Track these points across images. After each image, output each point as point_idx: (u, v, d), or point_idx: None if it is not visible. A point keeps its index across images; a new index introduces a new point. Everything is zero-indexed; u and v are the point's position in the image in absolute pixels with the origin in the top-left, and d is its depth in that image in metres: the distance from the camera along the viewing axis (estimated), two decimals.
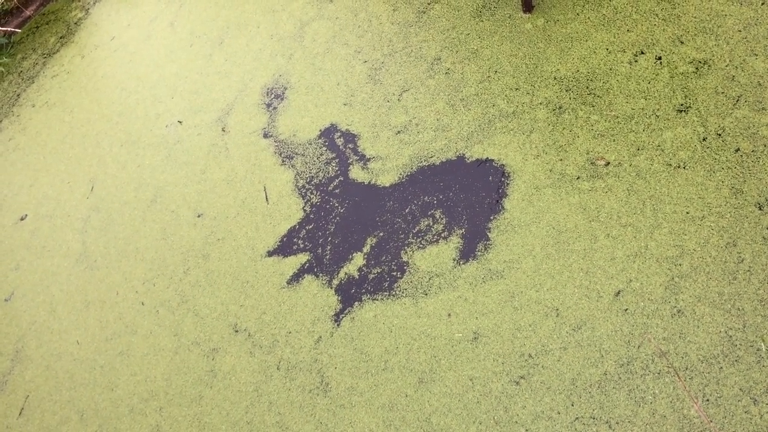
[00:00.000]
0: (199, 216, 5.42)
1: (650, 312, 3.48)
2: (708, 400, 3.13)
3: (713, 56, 4.23)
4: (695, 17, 4.46)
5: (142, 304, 5.16)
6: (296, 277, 4.63)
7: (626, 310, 3.54)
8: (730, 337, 3.25)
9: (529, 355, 3.62)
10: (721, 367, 3.20)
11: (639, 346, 3.40)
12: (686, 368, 3.25)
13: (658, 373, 3.29)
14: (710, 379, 3.18)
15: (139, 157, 6.28)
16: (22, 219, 6.58)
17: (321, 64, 5.83)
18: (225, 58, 6.58)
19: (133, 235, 5.67)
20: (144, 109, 6.72)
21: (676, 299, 3.46)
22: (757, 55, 4.09)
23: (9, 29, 9.11)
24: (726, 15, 4.36)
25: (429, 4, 5.69)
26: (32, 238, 6.32)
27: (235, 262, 4.96)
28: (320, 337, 4.28)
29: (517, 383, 3.57)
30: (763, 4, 4.29)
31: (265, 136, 5.61)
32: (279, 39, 6.34)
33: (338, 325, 4.27)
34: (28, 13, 9.27)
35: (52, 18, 9.07)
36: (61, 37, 8.61)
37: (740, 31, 4.25)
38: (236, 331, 4.61)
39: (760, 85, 3.97)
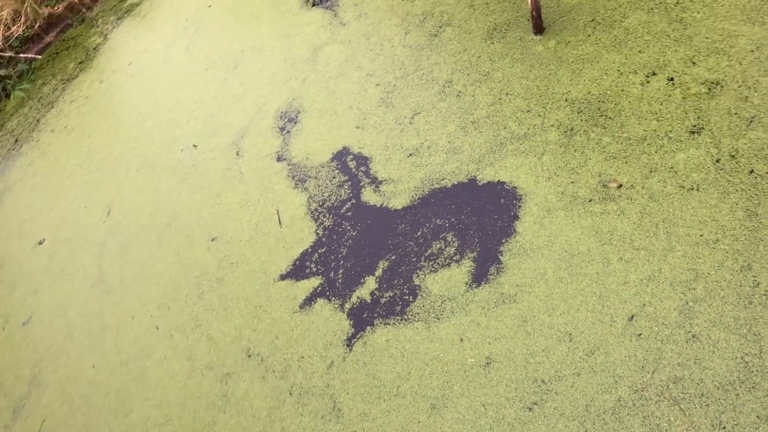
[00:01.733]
0: (213, 240, 5.46)
1: (664, 337, 3.43)
2: (725, 428, 3.08)
3: (726, 77, 4.20)
4: (707, 38, 4.44)
5: (157, 328, 5.19)
6: (309, 301, 4.64)
7: (640, 335, 3.49)
8: (747, 363, 3.20)
9: (542, 381, 3.59)
10: (738, 394, 3.14)
11: (653, 372, 3.35)
12: (702, 395, 3.20)
13: (674, 400, 3.24)
14: (726, 406, 3.13)
15: (155, 181, 6.35)
16: (40, 243, 6.67)
17: (334, 88, 5.88)
18: (240, 82, 6.65)
19: (149, 259, 5.72)
20: (160, 134, 6.80)
21: (690, 324, 3.41)
22: None
23: (30, 55, 9.29)
24: (738, 35, 4.34)
25: (440, 27, 5.72)
26: (50, 262, 6.40)
27: (249, 286, 4.98)
28: (333, 362, 4.27)
29: (530, 409, 3.54)
30: None
31: (279, 159, 5.65)
32: (293, 63, 6.40)
33: (350, 349, 4.26)
34: (48, 39, 9.46)
35: (72, 44, 9.24)
36: (80, 63, 8.77)
37: (753, 51, 4.22)
38: (249, 356, 4.62)
39: None
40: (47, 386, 5.43)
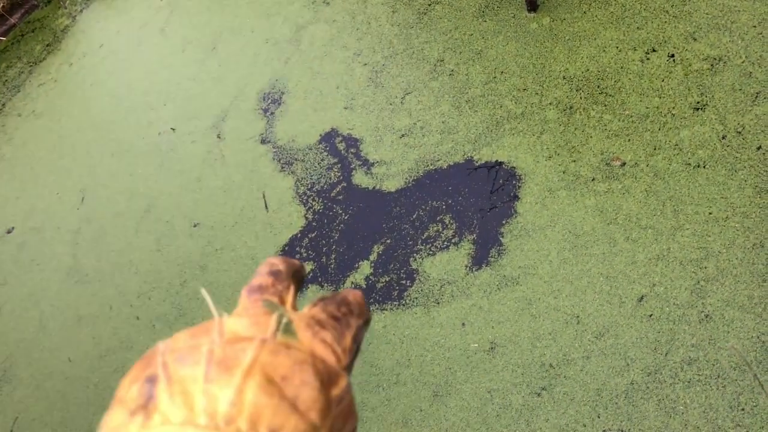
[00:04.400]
0: (195, 226, 5.23)
1: (676, 317, 3.33)
2: (743, 409, 2.98)
3: (728, 53, 4.11)
4: (707, 14, 4.34)
5: (138, 318, 4.94)
6: (300, 288, 4.44)
7: (651, 315, 3.38)
8: (763, 342, 3.11)
9: (550, 365, 3.46)
10: (756, 374, 3.04)
11: (666, 354, 3.25)
12: (718, 376, 3.10)
13: (689, 382, 3.13)
14: (744, 387, 3.03)
15: (131, 166, 6.08)
16: (8, 232, 6.35)
17: (319, 68, 5.67)
18: (219, 64, 6.40)
19: (127, 247, 5.46)
20: (136, 117, 6.52)
21: (703, 303, 3.31)
22: None
23: None
24: (739, 11, 4.25)
25: (430, 5, 5.54)
26: (20, 251, 6.09)
27: (235, 273, 4.77)
28: None
29: (539, 395, 3.40)
30: None
31: (263, 142, 5.43)
32: (275, 43, 6.17)
33: None
34: (12, 21, 9.04)
35: (38, 26, 8.85)
36: (47, 45, 8.40)
37: (755, 26, 4.13)
38: None
39: None
40: (20, 381, 5.15)
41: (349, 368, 0.48)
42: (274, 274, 0.54)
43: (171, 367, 0.42)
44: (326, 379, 0.44)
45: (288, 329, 0.46)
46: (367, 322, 0.53)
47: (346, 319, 0.51)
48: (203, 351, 0.42)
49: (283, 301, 0.52)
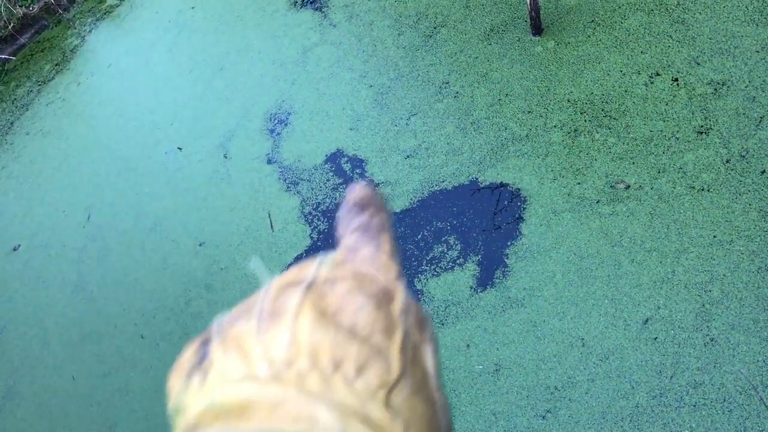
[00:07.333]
0: (200, 245, 5.25)
1: (681, 341, 3.33)
2: None
3: (732, 77, 4.14)
4: (710, 38, 4.39)
5: (142, 337, 4.95)
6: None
7: (656, 338, 3.38)
8: None
9: (555, 388, 3.45)
10: (761, 398, 3.04)
11: (671, 377, 3.24)
12: (723, 400, 3.09)
13: (694, 406, 3.12)
14: (750, 411, 3.02)
15: (137, 185, 6.11)
16: (15, 249, 6.37)
17: (325, 89, 5.72)
18: (226, 84, 6.46)
19: (132, 265, 5.48)
20: (143, 136, 6.57)
21: (708, 327, 3.31)
22: None
23: (3, 57, 8.98)
24: (742, 36, 4.29)
25: (435, 28, 5.61)
26: (25, 268, 6.11)
27: (239, 292, 4.78)
28: None
29: (544, 417, 3.39)
30: None
31: (269, 162, 5.46)
32: (281, 64, 6.23)
33: None
34: (22, 40, 9.15)
35: (48, 45, 8.95)
36: (56, 65, 8.48)
37: (758, 51, 4.18)
38: None
39: None
40: (23, 399, 5.14)
41: (400, 272, 0.43)
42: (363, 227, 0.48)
43: (225, 329, 0.40)
44: (382, 296, 0.41)
45: (329, 266, 0.43)
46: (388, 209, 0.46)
47: (374, 222, 0.46)
48: (255, 310, 0.40)
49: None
